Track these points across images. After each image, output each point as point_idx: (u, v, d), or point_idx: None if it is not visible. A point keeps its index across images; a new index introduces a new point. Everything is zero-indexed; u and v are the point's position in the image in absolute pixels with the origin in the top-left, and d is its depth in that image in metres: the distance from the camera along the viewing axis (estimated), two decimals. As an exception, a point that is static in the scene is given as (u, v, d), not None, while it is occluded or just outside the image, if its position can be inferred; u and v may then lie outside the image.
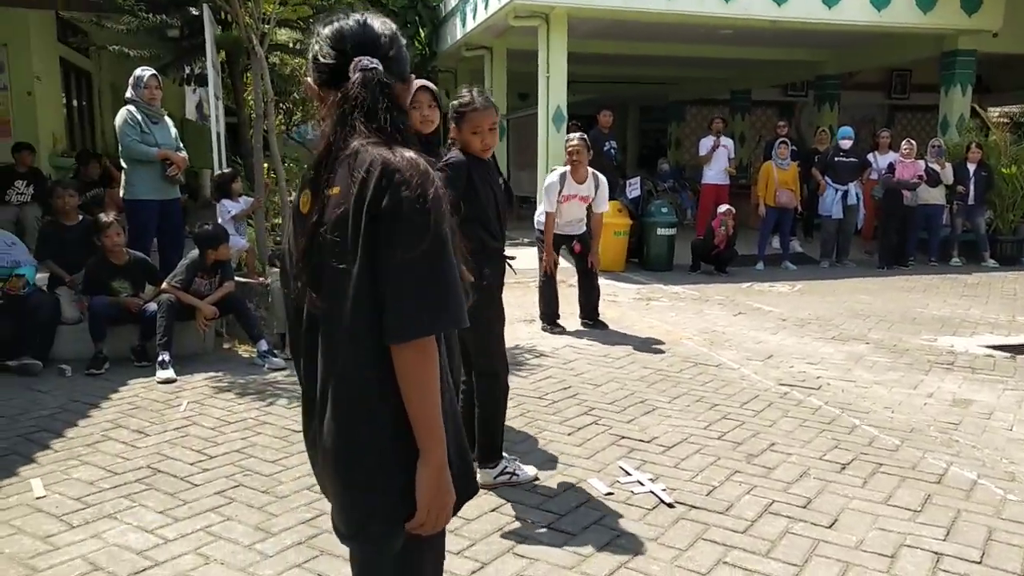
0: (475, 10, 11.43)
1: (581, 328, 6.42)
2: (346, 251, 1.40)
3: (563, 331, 6.28)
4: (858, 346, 5.93)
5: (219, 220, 6.41)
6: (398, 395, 1.42)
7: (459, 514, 3.01)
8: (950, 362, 5.49)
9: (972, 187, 10.44)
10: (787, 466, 3.60)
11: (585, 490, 3.31)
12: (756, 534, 2.94)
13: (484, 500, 3.16)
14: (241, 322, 5.48)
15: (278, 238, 6.85)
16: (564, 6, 9.81)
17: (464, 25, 12.05)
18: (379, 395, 1.43)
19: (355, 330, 1.42)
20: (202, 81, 10.07)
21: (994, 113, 14.21)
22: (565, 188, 6.22)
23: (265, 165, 6.91)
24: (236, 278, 5.74)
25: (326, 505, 3.01)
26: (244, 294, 5.69)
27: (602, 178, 6.34)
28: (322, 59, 1.50)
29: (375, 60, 1.46)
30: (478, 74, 13.29)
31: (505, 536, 2.90)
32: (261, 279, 6.16)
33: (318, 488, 3.16)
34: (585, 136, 6.37)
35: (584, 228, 6.45)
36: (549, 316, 6.39)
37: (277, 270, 6.05)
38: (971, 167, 10.47)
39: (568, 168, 6.22)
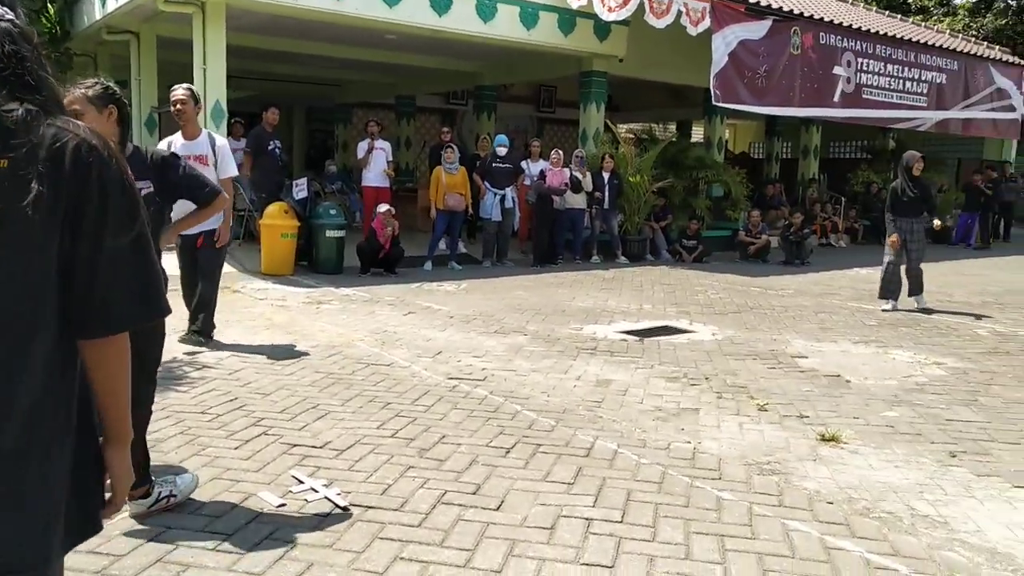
0: (117, -11, 10.35)
1: (241, 339, 6.10)
2: (28, 235, 1.20)
3: (216, 344, 5.75)
4: (518, 338, 6.38)
5: None
6: (70, 396, 1.31)
7: (108, 551, 2.69)
8: (593, 348, 6.13)
9: (607, 193, 11.83)
10: (457, 456, 3.74)
11: (255, 505, 3.14)
12: (431, 525, 3.01)
13: (139, 530, 2.85)
14: None
15: None
16: (222, -6, 9.28)
17: (104, 5, 10.83)
18: (54, 398, 1.27)
19: (29, 324, 1.23)
20: None
21: (622, 129, 16.19)
22: (173, 148, 5.40)
23: None
24: None
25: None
26: None
27: (220, 138, 5.74)
28: None
29: (10, 11, 1.25)
30: (123, 61, 12.04)
31: (165, 566, 2.64)
32: None
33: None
34: (192, 87, 5.58)
35: (218, 223, 5.39)
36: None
37: None
38: (606, 175, 11.85)
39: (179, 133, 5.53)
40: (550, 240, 11.37)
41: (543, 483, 3.45)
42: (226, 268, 9.20)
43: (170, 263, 5.39)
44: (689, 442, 4.04)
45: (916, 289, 8.26)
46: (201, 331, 5.70)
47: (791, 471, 3.67)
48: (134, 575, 2.57)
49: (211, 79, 9.62)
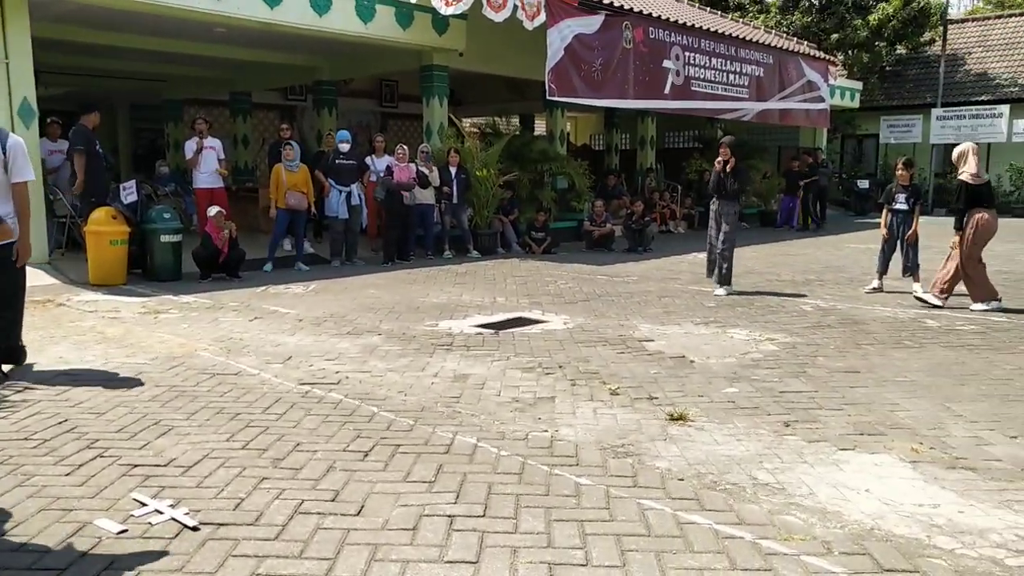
0: None
1: (69, 356, 5.64)
2: None
3: (36, 363, 5.23)
4: (372, 338, 6.27)
5: None
6: None
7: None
8: (449, 343, 6.13)
9: (455, 188, 11.84)
10: (314, 463, 3.63)
11: (92, 534, 2.90)
12: (288, 537, 2.90)
13: (-46, 575, 2.57)
14: None
15: None
16: (20, -18, 8.51)
17: None
18: None
19: None
20: None
21: (466, 123, 16.30)
22: None
23: None
24: None
25: None
26: None
27: (14, 137, 4.98)
28: None
29: None
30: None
31: (-13, 613, 2.39)
32: None
33: None
34: None
35: (7, 238, 4.83)
36: None
37: None
38: (453, 170, 11.86)
39: None
40: (401, 237, 11.25)
41: (404, 484, 3.41)
42: (48, 280, 8.55)
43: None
44: (546, 431, 4.11)
45: (724, 279, 8.59)
46: (5, 359, 4.98)
47: (644, 452, 3.81)
48: (-49, 627, 2.32)
49: (16, 74, 8.82)
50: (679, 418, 4.28)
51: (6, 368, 5.02)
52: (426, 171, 11.37)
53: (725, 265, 8.60)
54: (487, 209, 12.60)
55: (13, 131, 8.79)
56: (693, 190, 18.31)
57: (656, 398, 4.69)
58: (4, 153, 4.80)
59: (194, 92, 17.23)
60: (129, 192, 9.29)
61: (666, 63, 14.35)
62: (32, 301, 7.46)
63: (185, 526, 2.97)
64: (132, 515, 3.06)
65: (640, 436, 4.03)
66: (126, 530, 2.93)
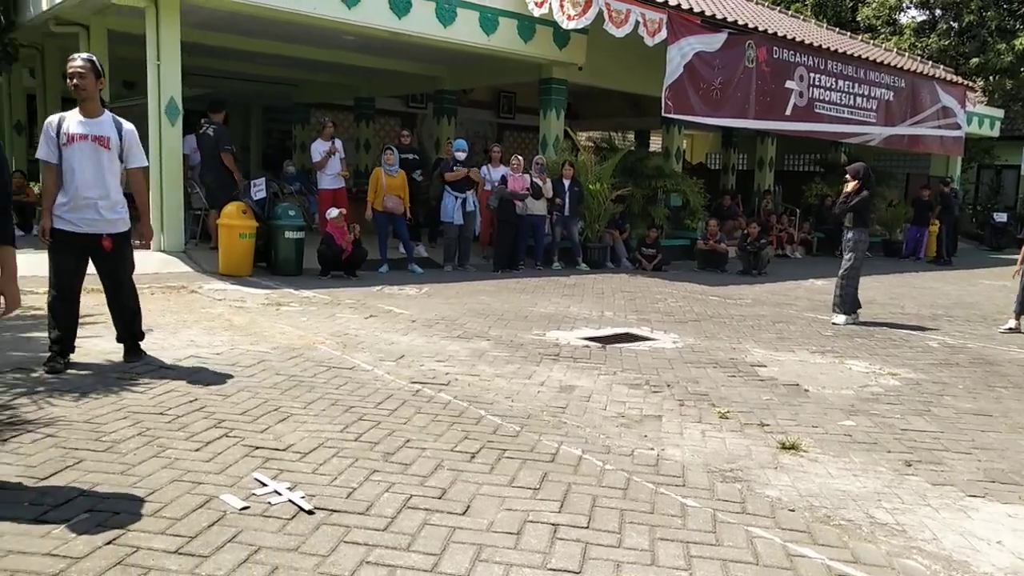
0: (66, -20, 10.07)
1: (199, 340, 5.98)
2: None
3: (173, 345, 5.57)
4: (481, 343, 6.37)
5: None
6: None
7: (66, 553, 2.62)
8: (556, 354, 6.14)
9: (567, 200, 11.88)
10: (423, 460, 3.71)
11: (218, 507, 3.07)
12: (397, 530, 2.98)
13: (96, 534, 2.77)
14: None
15: None
16: (176, -11, 9.13)
17: (52, -5, 10.55)
18: None
19: None
20: None
21: (582, 137, 16.32)
22: (67, 125, 4.78)
23: None
24: None
25: None
26: None
27: (128, 124, 5.02)
28: None
29: None
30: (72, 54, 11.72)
31: (126, 570, 2.56)
32: None
33: None
34: (93, 58, 4.86)
35: (123, 226, 5.00)
36: (59, 344, 4.92)
37: None
38: (566, 183, 11.90)
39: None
40: (512, 245, 11.37)
41: (509, 488, 3.44)
42: (183, 268, 9.12)
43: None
44: (652, 449, 4.06)
45: (841, 307, 8.25)
46: (125, 339, 5.23)
47: (753, 479, 3.71)
48: (92, 581, 2.49)
49: (165, 75, 9.45)
50: (791, 447, 4.14)
51: (142, 344, 5.36)
52: (539, 182, 11.46)
53: (839, 292, 8.30)
54: (598, 223, 12.57)
55: (160, 128, 9.45)
56: (812, 215, 17.70)
57: (767, 425, 4.56)
58: (121, 140, 4.97)
59: (322, 97, 17.99)
60: (259, 189, 9.76)
61: (789, 84, 13.97)
62: (167, 287, 7.98)
63: (301, 509, 3.09)
64: (254, 494, 3.22)
65: (750, 462, 3.93)
66: (248, 507, 3.09)
